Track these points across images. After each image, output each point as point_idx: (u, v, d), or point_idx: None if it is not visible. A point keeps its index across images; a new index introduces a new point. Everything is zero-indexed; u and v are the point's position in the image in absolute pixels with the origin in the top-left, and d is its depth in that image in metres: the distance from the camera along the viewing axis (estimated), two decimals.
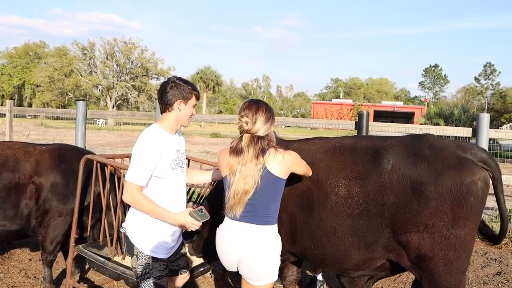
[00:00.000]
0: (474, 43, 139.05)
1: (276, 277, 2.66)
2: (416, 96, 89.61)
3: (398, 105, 60.76)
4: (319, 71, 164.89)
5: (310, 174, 2.80)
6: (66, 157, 3.98)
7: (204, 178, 3.21)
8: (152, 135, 2.69)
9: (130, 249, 2.78)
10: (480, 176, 2.57)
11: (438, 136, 2.86)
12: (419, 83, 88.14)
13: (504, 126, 44.13)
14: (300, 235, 2.95)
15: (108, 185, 3.59)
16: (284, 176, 2.58)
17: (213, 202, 3.34)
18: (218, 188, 3.37)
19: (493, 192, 2.72)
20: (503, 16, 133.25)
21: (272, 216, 2.61)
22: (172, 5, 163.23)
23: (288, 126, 33.80)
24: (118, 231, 3.42)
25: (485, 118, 6.32)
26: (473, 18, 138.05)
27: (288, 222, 2.97)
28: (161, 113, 2.80)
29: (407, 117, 55.28)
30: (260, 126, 2.53)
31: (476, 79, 74.32)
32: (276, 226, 2.65)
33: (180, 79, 2.74)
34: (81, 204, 3.80)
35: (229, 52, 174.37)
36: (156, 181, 2.72)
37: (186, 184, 3.05)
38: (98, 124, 30.84)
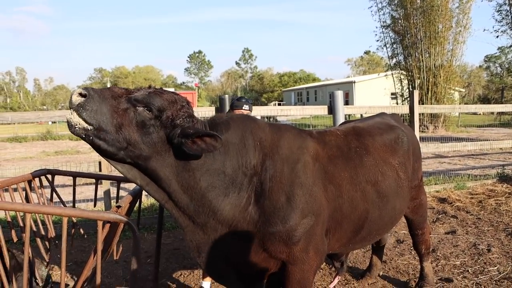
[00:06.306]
0: (232, 31, 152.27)
1: None
2: (183, 82, 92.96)
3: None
4: (79, 62, 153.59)
5: None
6: None
7: None
8: None
9: None
10: None
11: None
12: (185, 69, 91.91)
13: (272, 103, 50.03)
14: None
15: None
16: None
17: None
18: None
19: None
20: (253, 8, 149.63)
21: None
22: None
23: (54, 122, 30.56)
24: None
25: (339, 95, 6.52)
26: (229, 9, 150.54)
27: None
28: None
29: None
30: None
31: (237, 63, 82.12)
32: None
33: None
34: None
35: None
36: None
37: None
38: None
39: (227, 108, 5.95)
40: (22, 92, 77.45)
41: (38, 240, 2.86)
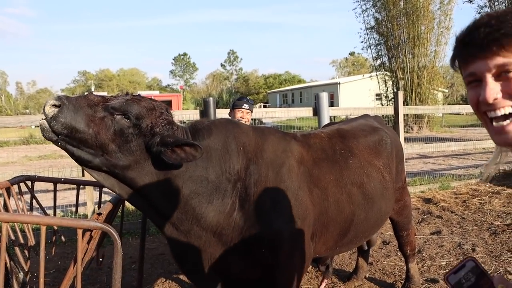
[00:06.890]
0: (217, 33, 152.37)
1: None
2: (168, 85, 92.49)
3: (155, 94, 61.30)
4: (62, 65, 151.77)
5: None
6: None
7: None
8: None
9: None
10: None
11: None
12: (170, 71, 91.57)
13: (257, 105, 50.11)
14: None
15: None
16: None
17: None
18: None
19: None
20: (239, 10, 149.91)
21: None
22: None
23: (37, 126, 30.14)
24: None
25: (324, 97, 6.54)
26: (214, 11, 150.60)
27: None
28: None
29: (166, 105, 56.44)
30: None
31: (222, 65, 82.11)
32: None
33: None
34: None
35: None
36: None
37: None
38: None
39: (212, 110, 5.90)
40: (3, 95, 76.27)
41: (17, 248, 2.78)
